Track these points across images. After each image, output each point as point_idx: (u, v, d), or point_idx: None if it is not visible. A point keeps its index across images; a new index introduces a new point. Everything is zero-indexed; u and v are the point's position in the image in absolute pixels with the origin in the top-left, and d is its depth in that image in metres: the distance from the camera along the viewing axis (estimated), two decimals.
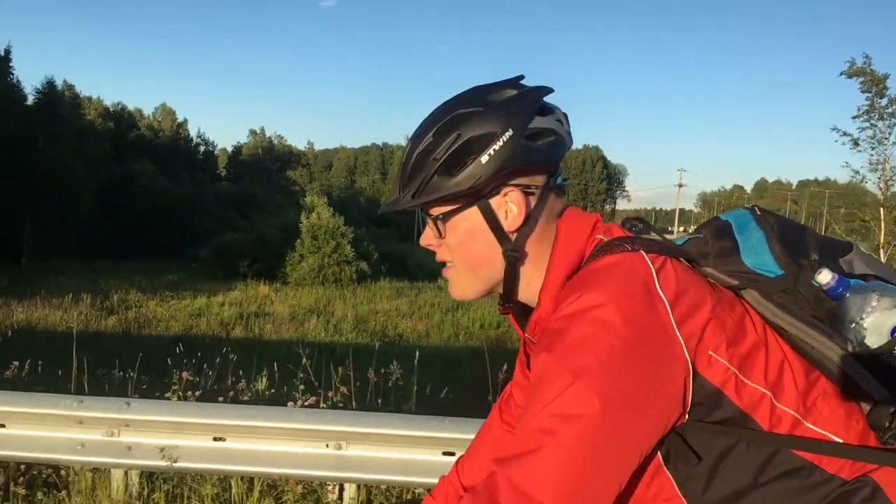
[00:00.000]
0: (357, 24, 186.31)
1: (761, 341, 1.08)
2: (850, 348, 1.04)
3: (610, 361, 0.97)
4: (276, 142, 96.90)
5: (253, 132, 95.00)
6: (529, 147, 1.11)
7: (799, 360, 1.09)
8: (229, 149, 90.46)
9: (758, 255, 1.12)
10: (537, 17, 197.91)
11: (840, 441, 1.06)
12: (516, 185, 1.13)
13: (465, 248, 1.16)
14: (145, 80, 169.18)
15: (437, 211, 1.15)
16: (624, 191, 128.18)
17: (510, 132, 1.09)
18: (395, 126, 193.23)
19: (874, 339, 1.02)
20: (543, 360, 1.01)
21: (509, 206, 1.13)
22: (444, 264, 1.21)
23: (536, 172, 1.14)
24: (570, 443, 0.95)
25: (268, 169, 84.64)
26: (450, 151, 1.10)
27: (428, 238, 1.19)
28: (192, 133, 76.35)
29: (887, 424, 1.04)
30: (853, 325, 1.03)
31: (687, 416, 1.04)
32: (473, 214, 1.14)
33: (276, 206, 50.58)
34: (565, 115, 1.18)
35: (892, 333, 1.01)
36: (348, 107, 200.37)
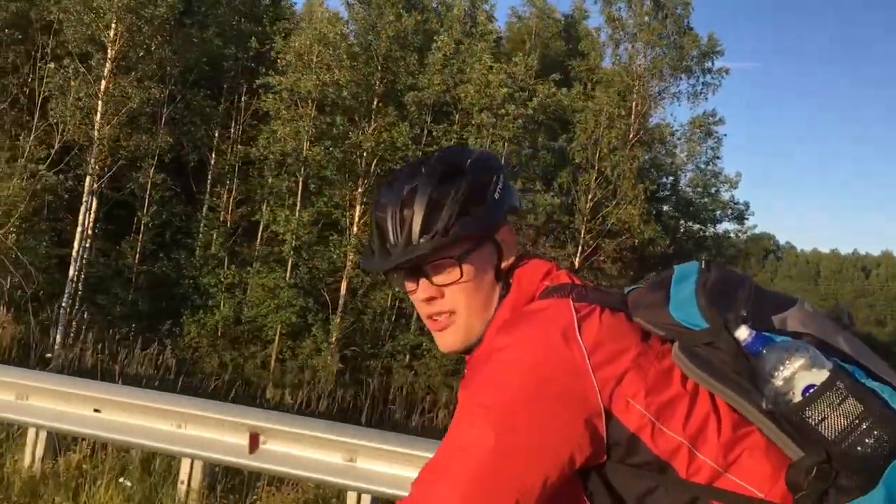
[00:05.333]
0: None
1: (686, 393, 1.09)
2: (764, 406, 1.02)
3: (510, 399, 1.05)
4: None
5: None
6: (512, 189, 1.24)
7: (731, 414, 1.08)
8: None
9: (684, 308, 1.12)
10: None
11: (761, 496, 1.05)
12: (508, 223, 1.22)
13: (476, 291, 1.19)
14: None
15: (455, 251, 1.16)
16: None
17: (502, 175, 1.21)
18: None
19: (787, 397, 0.99)
20: (460, 397, 1.11)
21: (506, 242, 1.21)
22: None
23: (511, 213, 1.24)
24: (467, 475, 1.03)
25: None
26: (467, 190, 1.15)
27: (429, 289, 1.19)
28: None
29: (803, 485, 1.00)
30: (767, 383, 1.01)
31: (606, 457, 1.08)
32: (488, 253, 1.19)
33: None
34: None
35: (803, 393, 0.98)
36: None
